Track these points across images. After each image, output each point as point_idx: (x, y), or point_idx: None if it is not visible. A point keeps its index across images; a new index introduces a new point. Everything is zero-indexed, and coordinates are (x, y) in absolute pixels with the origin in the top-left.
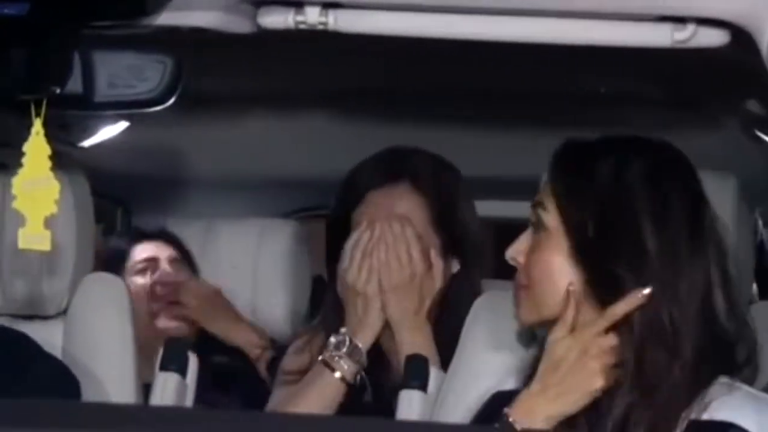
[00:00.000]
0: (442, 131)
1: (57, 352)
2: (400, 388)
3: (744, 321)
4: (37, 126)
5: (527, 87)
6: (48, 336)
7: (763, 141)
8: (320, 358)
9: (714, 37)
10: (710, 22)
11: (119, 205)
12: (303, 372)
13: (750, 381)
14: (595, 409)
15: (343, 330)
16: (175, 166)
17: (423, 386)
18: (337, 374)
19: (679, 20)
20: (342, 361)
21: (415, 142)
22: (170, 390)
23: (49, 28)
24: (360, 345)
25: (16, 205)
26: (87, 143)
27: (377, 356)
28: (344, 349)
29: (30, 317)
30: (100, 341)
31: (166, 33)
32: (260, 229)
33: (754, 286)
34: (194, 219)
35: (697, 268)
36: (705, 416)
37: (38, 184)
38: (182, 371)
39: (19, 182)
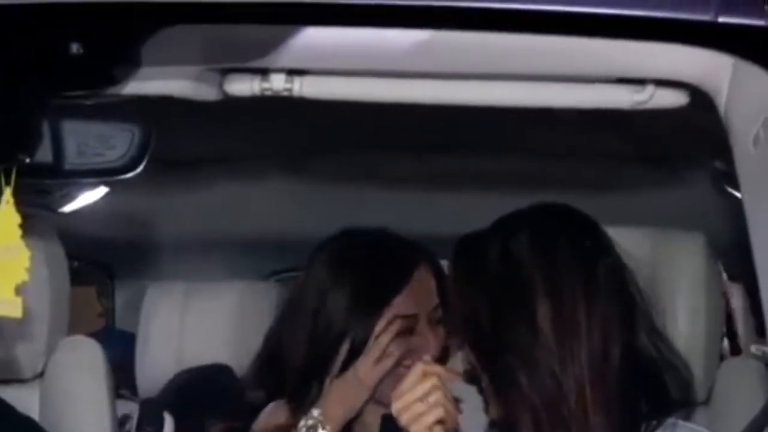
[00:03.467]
0: (412, 189)
1: (34, 415)
2: None
3: (670, 362)
4: (7, 195)
5: (490, 144)
6: (25, 399)
7: (732, 196)
8: None
9: (673, 98)
10: (669, 83)
11: (102, 270)
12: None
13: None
14: None
15: (315, 413)
16: (154, 231)
17: None
18: None
19: (638, 82)
20: None
21: (386, 200)
22: None
23: (16, 98)
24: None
25: None
26: (66, 209)
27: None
28: None
29: (6, 381)
30: (76, 404)
31: (133, 102)
32: (241, 292)
33: (725, 342)
34: (174, 282)
35: (597, 324)
36: None
37: (9, 252)
38: None
39: None
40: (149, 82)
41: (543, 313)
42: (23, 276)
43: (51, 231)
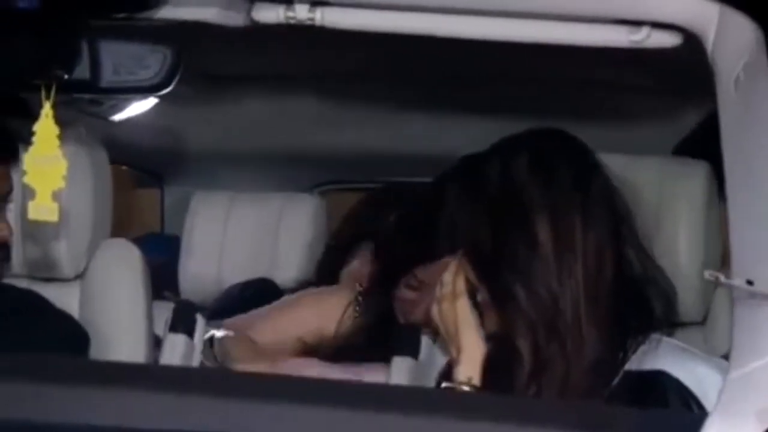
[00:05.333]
0: (425, 113)
1: (74, 314)
2: (391, 355)
3: (655, 278)
4: (46, 108)
5: (510, 73)
6: (65, 298)
7: None
8: None
9: (667, 39)
10: (663, 25)
11: (152, 176)
12: None
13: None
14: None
15: None
16: (201, 142)
17: (414, 353)
18: None
19: (635, 23)
20: None
21: (405, 122)
22: (178, 351)
23: (59, 21)
24: None
25: (26, 179)
26: (117, 117)
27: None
28: None
29: (48, 280)
30: (114, 305)
31: (166, 25)
32: (282, 203)
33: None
34: (219, 191)
35: (592, 242)
36: (636, 367)
37: (47, 161)
38: (190, 333)
39: (29, 159)
40: (181, 9)
41: (542, 231)
42: (60, 183)
43: (95, 137)
